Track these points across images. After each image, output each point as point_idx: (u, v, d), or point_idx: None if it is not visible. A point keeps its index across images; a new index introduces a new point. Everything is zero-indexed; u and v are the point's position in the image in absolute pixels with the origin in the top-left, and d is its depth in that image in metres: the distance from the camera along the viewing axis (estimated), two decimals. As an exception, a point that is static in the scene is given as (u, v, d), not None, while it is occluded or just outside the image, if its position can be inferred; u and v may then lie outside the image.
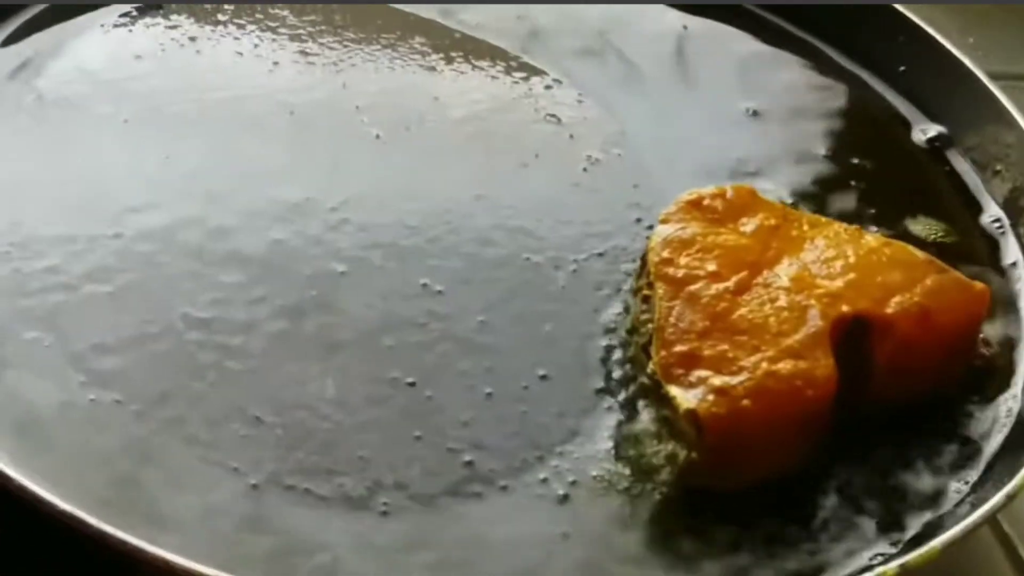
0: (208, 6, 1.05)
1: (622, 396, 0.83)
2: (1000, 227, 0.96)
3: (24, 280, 0.85)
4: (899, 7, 1.05)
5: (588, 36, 1.09)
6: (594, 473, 0.80)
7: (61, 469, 0.76)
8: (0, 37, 1.01)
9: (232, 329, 0.84)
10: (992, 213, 0.98)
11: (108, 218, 0.89)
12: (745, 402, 0.78)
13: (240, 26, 1.04)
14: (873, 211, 0.97)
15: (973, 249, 0.96)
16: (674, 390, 0.79)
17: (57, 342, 0.82)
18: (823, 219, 0.89)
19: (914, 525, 0.80)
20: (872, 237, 0.87)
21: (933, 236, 0.96)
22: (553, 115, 1.01)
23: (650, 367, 0.82)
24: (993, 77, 1.02)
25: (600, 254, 0.91)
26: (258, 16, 1.05)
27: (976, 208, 0.98)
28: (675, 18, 1.12)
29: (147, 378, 0.81)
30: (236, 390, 0.81)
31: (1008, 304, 0.92)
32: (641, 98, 1.04)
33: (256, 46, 1.03)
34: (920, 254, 0.86)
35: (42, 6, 1.04)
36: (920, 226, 0.97)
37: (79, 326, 0.83)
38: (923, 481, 0.82)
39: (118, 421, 0.79)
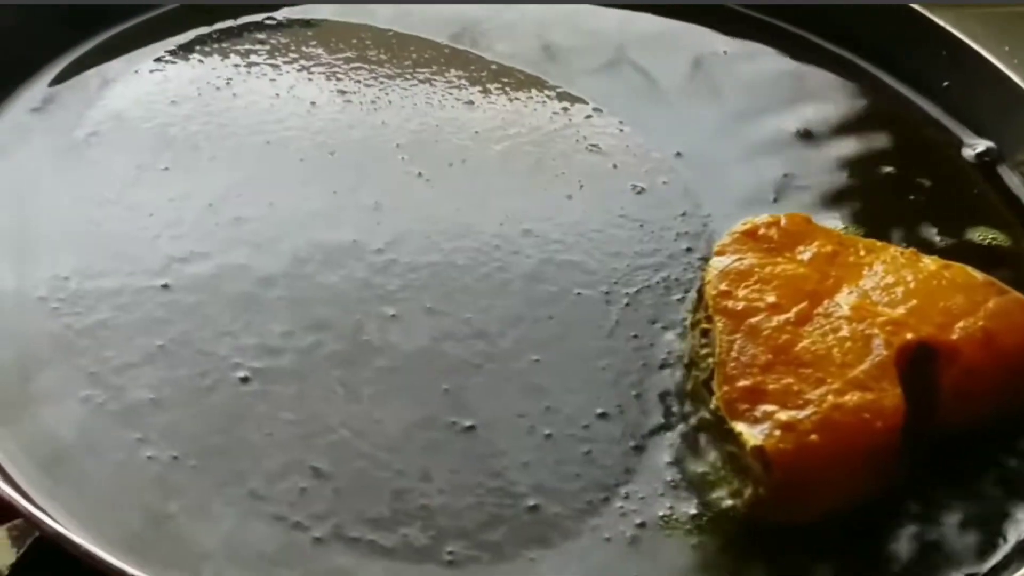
0: (242, 48, 1.05)
1: (683, 432, 0.82)
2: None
3: (75, 338, 0.84)
4: (941, 22, 1.04)
5: (610, 55, 1.08)
6: (661, 513, 0.79)
7: (123, 530, 0.76)
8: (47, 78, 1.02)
9: (285, 378, 0.83)
10: (1045, 226, 0.97)
11: (154, 269, 0.88)
12: (813, 437, 0.77)
13: (275, 66, 1.03)
14: (931, 228, 0.95)
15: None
16: (740, 426, 0.78)
17: (111, 399, 0.81)
18: (879, 243, 0.88)
19: (993, 555, 0.78)
20: (930, 260, 0.86)
21: (989, 241, 0.95)
22: (595, 145, 1.00)
23: (713, 403, 0.81)
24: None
25: (651, 286, 0.90)
26: (292, 55, 1.05)
27: (1029, 222, 0.97)
28: (706, 38, 1.11)
29: (203, 432, 0.80)
30: (293, 441, 0.80)
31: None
32: (682, 123, 1.03)
33: (292, 87, 1.02)
34: (980, 276, 0.85)
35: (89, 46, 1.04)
36: (977, 234, 0.95)
37: (132, 382, 0.82)
38: (998, 507, 0.81)
39: (177, 478, 0.78)
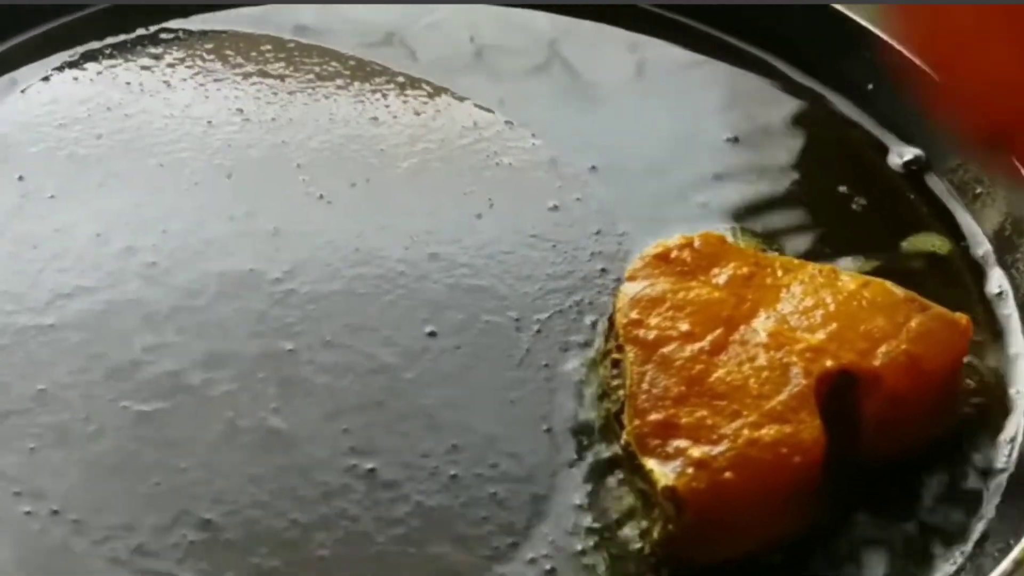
0: (135, 64, 1.00)
1: (595, 469, 0.78)
2: (983, 255, 0.91)
3: (-52, 384, 0.80)
4: (865, 24, 0.99)
5: (540, 59, 1.03)
6: (572, 557, 0.75)
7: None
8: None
9: (177, 422, 0.79)
10: (976, 238, 0.92)
11: (38, 307, 0.84)
12: (728, 474, 0.73)
13: (168, 84, 0.98)
14: (861, 239, 0.91)
15: (959, 272, 0.91)
16: (651, 463, 0.74)
17: (-15, 450, 0.77)
18: (796, 261, 0.83)
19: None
20: (849, 277, 0.82)
21: (920, 250, 0.91)
22: (506, 160, 0.95)
23: (624, 437, 0.76)
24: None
25: (564, 311, 0.86)
26: (188, 70, 0.99)
27: (959, 233, 0.93)
28: (624, 38, 1.06)
29: (87, 483, 0.76)
30: (183, 490, 0.76)
31: (995, 333, 0.87)
32: (601, 133, 0.98)
33: (187, 106, 0.97)
34: (900, 292, 0.81)
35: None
36: (907, 243, 0.91)
37: (11, 430, 0.78)
38: (923, 543, 0.77)
39: (56, 534, 0.74)
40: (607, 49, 1.04)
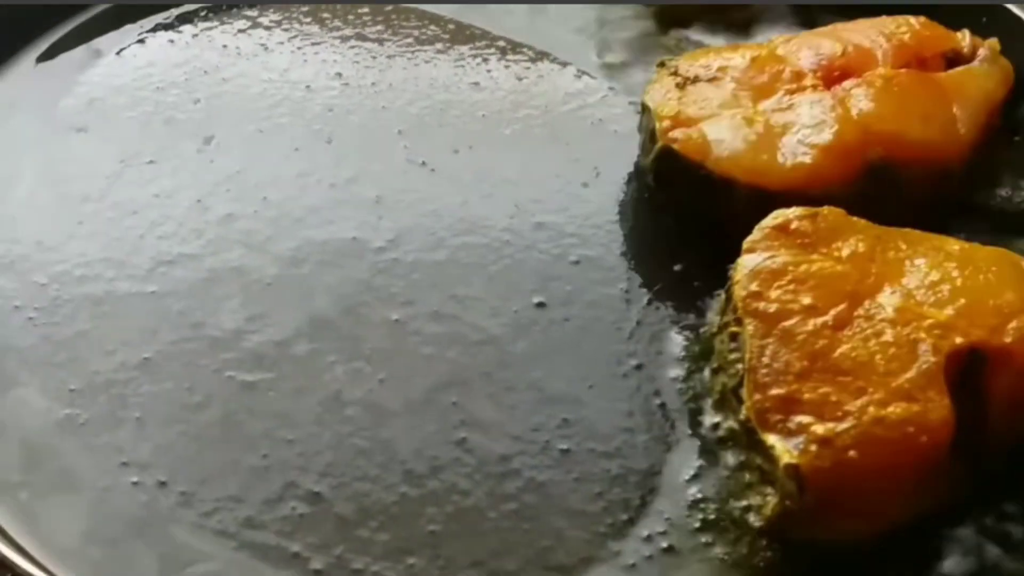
0: (231, 27, 0.98)
1: (710, 445, 0.76)
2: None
3: (53, 351, 0.78)
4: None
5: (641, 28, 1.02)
6: (687, 535, 0.73)
7: (105, 563, 0.70)
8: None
9: (282, 393, 0.77)
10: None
11: (140, 274, 0.83)
12: (852, 453, 0.70)
13: (266, 47, 0.97)
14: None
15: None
16: (772, 439, 0.72)
17: (93, 419, 0.76)
18: (917, 233, 0.80)
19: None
20: (972, 248, 0.80)
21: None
22: (611, 128, 0.93)
23: (743, 412, 0.74)
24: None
25: (672, 282, 0.84)
26: (285, 34, 0.98)
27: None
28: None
29: (193, 455, 0.75)
30: (290, 463, 0.74)
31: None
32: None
33: (285, 70, 0.95)
34: (1023, 262, 0.79)
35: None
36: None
37: (117, 399, 0.77)
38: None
39: (164, 506, 0.72)
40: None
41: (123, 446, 0.74)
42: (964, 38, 0.92)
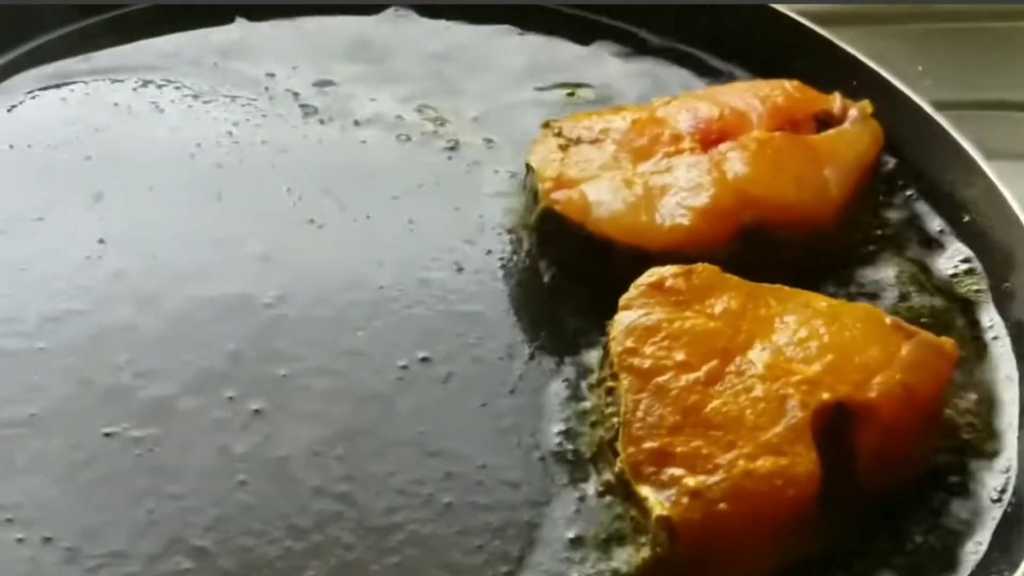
0: (120, 83, 0.99)
1: (588, 496, 0.78)
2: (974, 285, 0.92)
3: (-62, 410, 0.79)
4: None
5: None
6: (566, 585, 0.75)
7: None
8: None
9: (168, 449, 0.78)
10: (955, 258, 0.93)
11: (29, 330, 0.83)
12: (722, 505, 0.73)
13: (156, 106, 0.98)
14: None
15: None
16: (645, 490, 0.74)
17: (-24, 477, 0.76)
18: (787, 290, 0.83)
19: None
20: (838, 304, 0.83)
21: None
22: (494, 184, 0.95)
23: (618, 465, 0.76)
24: (940, 107, 0.98)
25: (555, 339, 0.86)
26: (176, 90, 0.99)
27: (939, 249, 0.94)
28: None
29: (79, 510, 0.75)
30: (175, 518, 0.75)
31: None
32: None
33: (176, 128, 0.96)
34: (887, 318, 0.82)
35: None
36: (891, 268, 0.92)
37: (1, 457, 0.77)
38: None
39: (49, 561, 0.73)
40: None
41: (6, 502, 0.75)
42: (835, 100, 0.96)
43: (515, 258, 0.91)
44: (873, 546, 0.77)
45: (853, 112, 0.95)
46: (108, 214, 0.91)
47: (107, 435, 0.78)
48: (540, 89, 1.04)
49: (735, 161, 0.89)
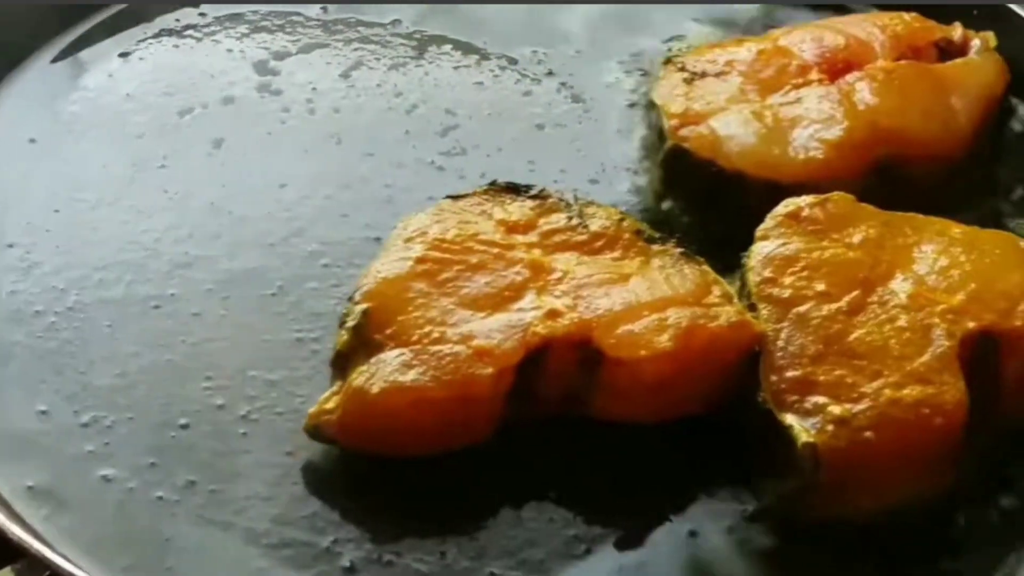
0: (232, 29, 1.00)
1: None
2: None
3: (70, 359, 0.79)
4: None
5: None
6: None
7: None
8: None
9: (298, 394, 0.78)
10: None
11: (159, 277, 0.84)
12: (868, 434, 0.72)
13: (269, 50, 0.98)
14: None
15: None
16: (789, 418, 0.73)
17: (118, 424, 0.77)
18: (922, 218, 0.82)
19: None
20: (975, 231, 0.82)
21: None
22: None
23: (760, 395, 0.75)
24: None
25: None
26: (287, 34, 0.99)
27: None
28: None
29: (213, 458, 0.76)
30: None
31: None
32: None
33: (292, 73, 0.97)
34: (1023, 243, 0.81)
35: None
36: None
37: (139, 403, 0.77)
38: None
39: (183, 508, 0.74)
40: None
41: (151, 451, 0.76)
42: (956, 29, 0.94)
43: (643, 190, 0.90)
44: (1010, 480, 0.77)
45: (976, 42, 0.94)
46: (230, 160, 0.91)
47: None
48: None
49: (864, 92, 0.88)
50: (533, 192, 0.82)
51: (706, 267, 0.79)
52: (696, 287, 0.78)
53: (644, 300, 0.76)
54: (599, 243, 0.80)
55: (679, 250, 0.80)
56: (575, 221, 0.80)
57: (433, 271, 0.77)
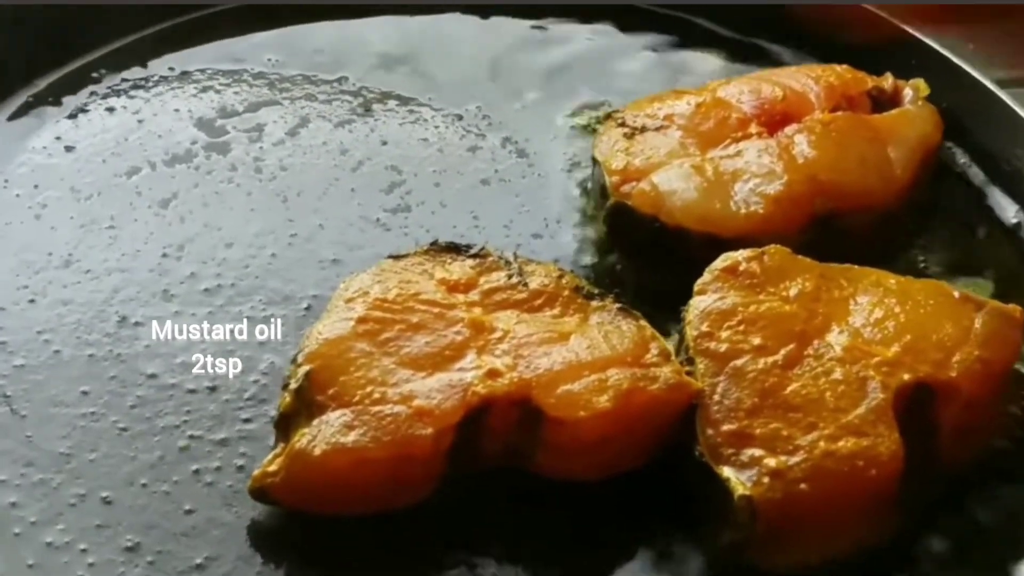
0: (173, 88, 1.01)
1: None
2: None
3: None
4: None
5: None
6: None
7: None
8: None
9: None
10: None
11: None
12: (804, 486, 0.73)
13: (217, 109, 1.00)
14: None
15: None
16: (726, 471, 0.74)
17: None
18: (856, 269, 0.83)
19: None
20: (905, 281, 0.83)
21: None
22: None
23: (697, 448, 0.76)
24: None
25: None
26: (235, 95, 1.00)
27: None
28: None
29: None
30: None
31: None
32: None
33: (239, 131, 0.98)
34: (955, 292, 0.82)
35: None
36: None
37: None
38: (996, 554, 0.77)
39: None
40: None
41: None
42: (887, 79, 0.96)
43: (585, 250, 0.91)
44: (955, 524, 0.78)
45: (908, 92, 0.95)
46: (176, 219, 0.92)
47: (182, 448, 0.79)
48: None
49: (803, 144, 0.89)
50: (473, 251, 0.83)
51: (643, 322, 0.80)
52: (634, 345, 0.78)
53: (583, 359, 0.77)
54: (539, 301, 0.81)
55: (617, 305, 0.81)
56: (515, 279, 0.81)
57: (374, 331, 0.78)
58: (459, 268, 0.82)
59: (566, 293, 0.81)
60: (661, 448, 0.77)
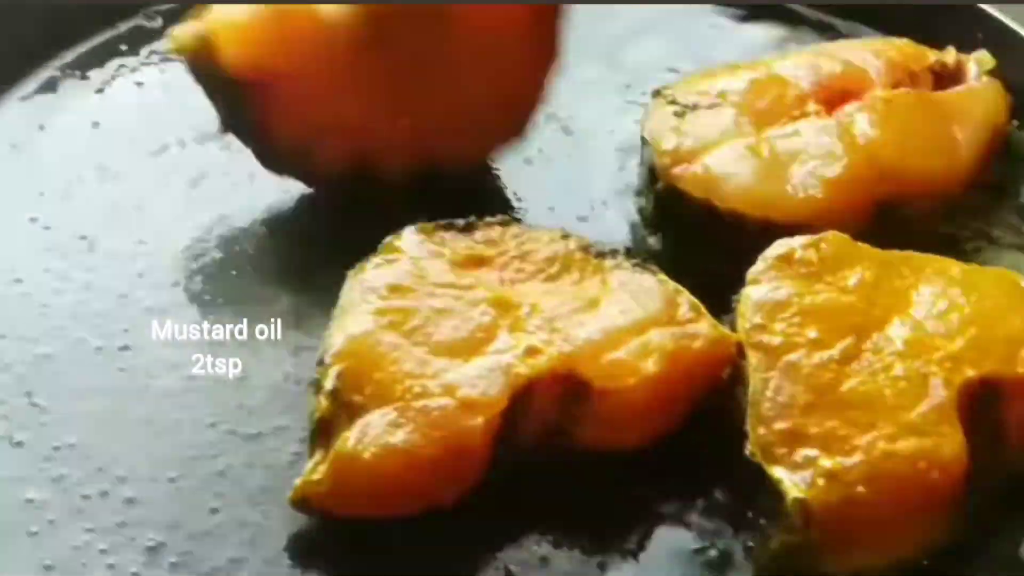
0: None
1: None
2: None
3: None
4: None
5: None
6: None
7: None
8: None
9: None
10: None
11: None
12: (860, 488, 0.69)
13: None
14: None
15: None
16: (778, 472, 0.70)
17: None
18: (919, 257, 0.79)
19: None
20: (971, 270, 0.79)
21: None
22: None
23: (748, 448, 0.72)
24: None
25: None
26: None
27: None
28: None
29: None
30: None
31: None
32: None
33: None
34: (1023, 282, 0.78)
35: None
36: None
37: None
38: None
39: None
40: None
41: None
42: (949, 54, 0.91)
43: (631, 232, 0.88)
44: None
45: (972, 66, 0.91)
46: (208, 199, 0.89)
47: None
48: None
49: (864, 124, 0.85)
50: (461, 225, 0.80)
51: (662, 275, 0.78)
52: (665, 303, 0.76)
53: (621, 325, 0.75)
54: (554, 268, 0.78)
55: (632, 261, 0.79)
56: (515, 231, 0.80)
57: (398, 322, 0.74)
58: (463, 245, 0.79)
59: (578, 256, 0.79)
60: (699, 408, 0.76)
